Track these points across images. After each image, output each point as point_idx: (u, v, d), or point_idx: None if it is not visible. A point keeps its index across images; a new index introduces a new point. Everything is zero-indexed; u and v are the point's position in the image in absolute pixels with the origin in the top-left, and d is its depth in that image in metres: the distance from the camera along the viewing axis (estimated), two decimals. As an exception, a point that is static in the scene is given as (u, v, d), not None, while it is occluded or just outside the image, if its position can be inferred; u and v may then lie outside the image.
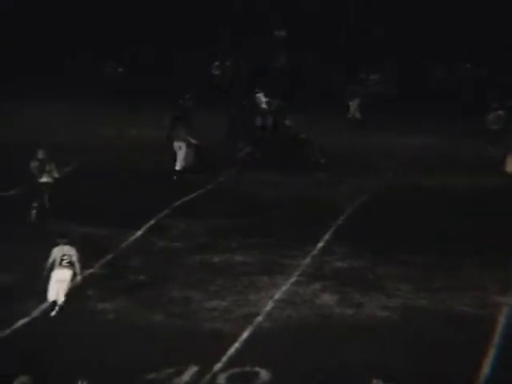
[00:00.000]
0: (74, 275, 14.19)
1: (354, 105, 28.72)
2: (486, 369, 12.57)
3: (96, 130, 26.95)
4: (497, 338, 13.49)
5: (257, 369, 12.28)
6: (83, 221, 18.05)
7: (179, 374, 12.34)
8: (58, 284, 14.06)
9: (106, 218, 18.54)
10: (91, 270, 15.72)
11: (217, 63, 33.71)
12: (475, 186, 20.91)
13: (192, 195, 20.71)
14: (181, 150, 22.55)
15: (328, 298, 15.03)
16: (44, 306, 14.32)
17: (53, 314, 14.01)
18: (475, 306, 14.77)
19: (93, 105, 30.22)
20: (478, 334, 13.66)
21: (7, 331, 13.39)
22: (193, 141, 22.51)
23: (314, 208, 19.99)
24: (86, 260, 15.75)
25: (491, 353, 13.03)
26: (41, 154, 19.27)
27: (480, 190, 20.75)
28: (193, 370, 12.40)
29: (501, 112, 24.12)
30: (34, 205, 18.81)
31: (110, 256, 16.58)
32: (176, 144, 22.62)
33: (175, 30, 32.93)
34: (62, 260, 14.03)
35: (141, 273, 15.93)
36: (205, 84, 31.51)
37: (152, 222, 18.65)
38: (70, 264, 14.06)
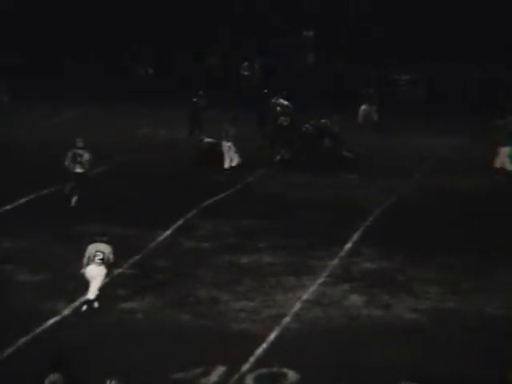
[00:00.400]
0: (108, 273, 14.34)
1: (366, 110, 28.23)
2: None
3: (128, 131, 27.12)
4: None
5: (284, 370, 12.25)
6: (112, 221, 18.13)
7: (207, 374, 12.35)
8: (93, 281, 14.20)
9: (134, 218, 18.63)
10: (120, 270, 15.79)
11: (246, 64, 33.75)
12: (506, 188, 20.70)
13: (220, 195, 20.74)
14: (230, 150, 22.60)
15: (356, 299, 14.98)
16: (74, 304, 14.43)
17: (84, 308, 14.17)
18: (505, 308, 14.64)
19: (123, 105, 30.44)
20: (507, 336, 13.53)
21: (38, 330, 13.48)
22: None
23: (342, 209, 19.94)
24: (115, 260, 15.87)
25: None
26: (79, 143, 19.63)
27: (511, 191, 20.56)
28: (220, 370, 12.40)
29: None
30: (71, 192, 19.12)
31: (138, 256, 16.64)
32: (225, 144, 22.74)
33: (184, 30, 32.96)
34: (94, 257, 14.16)
35: (169, 273, 15.97)
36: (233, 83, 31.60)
37: (180, 222, 18.71)
38: (103, 261, 14.15)
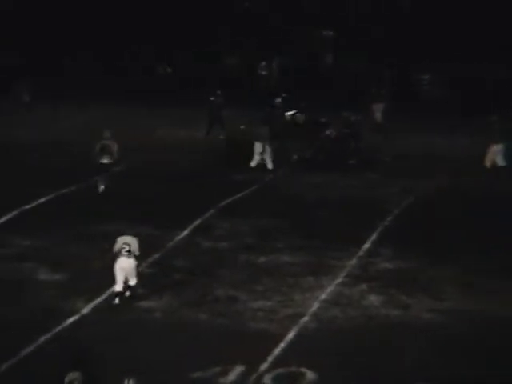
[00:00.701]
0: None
1: (378, 108, 28.17)
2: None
3: (144, 130, 27.22)
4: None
5: (302, 369, 12.26)
6: (131, 220, 18.19)
7: (225, 373, 12.38)
8: (123, 272, 14.49)
9: (152, 217, 18.69)
10: (138, 269, 15.84)
11: (264, 63, 33.76)
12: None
13: (238, 195, 20.77)
14: (266, 151, 22.67)
15: (374, 299, 14.96)
16: (93, 303, 14.51)
17: (116, 301, 14.41)
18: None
19: (141, 104, 30.52)
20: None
21: (57, 328, 13.56)
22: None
23: (360, 209, 19.91)
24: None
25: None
26: (107, 134, 19.88)
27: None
28: (239, 369, 12.43)
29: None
30: (100, 181, 19.73)
31: (156, 255, 16.70)
32: (258, 144, 22.71)
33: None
34: (122, 249, 14.47)
35: (187, 272, 16.02)
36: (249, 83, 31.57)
37: (198, 221, 18.75)
38: (130, 253, 14.46)
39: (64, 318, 13.89)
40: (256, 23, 33.25)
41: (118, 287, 14.51)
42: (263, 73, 33.37)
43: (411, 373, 12.32)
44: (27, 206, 19.53)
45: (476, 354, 12.99)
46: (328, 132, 23.70)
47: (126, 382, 10.50)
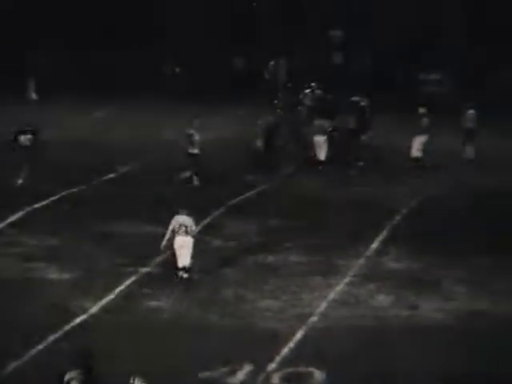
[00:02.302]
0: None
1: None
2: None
3: (157, 130, 27.16)
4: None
5: (311, 369, 12.25)
6: (139, 219, 18.24)
7: (233, 373, 12.38)
8: (182, 250, 15.11)
9: (161, 216, 18.64)
10: (147, 269, 15.88)
11: (272, 63, 33.72)
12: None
13: (247, 194, 20.77)
14: (325, 144, 22.73)
15: (382, 299, 14.94)
16: (101, 302, 14.54)
17: (184, 275, 15.09)
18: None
19: (151, 105, 30.50)
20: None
21: (66, 327, 13.60)
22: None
23: (368, 209, 19.89)
24: (142, 259, 16.00)
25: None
26: (196, 123, 20.12)
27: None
28: (247, 369, 12.44)
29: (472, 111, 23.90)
30: (192, 173, 20.30)
31: (165, 255, 16.70)
32: (319, 138, 22.64)
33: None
34: (179, 229, 15.12)
35: (195, 272, 16.02)
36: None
37: (207, 220, 18.76)
38: (187, 232, 15.13)
39: (72, 317, 13.92)
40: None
41: (181, 263, 15.06)
42: (270, 73, 33.16)
43: (420, 373, 12.29)
44: (36, 205, 19.58)
45: (486, 353, 12.96)
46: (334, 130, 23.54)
47: (131, 381, 10.52)
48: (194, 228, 15.31)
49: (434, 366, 12.55)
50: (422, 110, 23.48)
